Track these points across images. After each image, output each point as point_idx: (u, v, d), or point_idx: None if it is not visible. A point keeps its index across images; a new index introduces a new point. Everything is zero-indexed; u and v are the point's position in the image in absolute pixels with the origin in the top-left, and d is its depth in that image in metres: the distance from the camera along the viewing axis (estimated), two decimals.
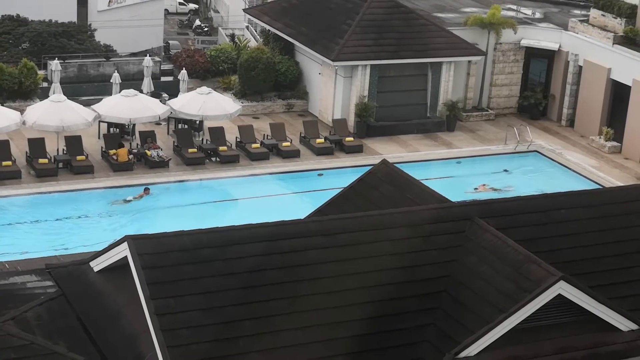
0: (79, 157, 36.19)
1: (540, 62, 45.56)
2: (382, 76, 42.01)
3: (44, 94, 40.35)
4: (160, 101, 39.62)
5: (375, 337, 17.12)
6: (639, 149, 40.49)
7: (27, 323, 17.42)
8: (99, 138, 38.46)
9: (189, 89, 41.35)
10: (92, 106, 37.83)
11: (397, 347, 17.13)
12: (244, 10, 51.54)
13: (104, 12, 54.82)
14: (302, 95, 44.33)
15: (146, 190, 35.06)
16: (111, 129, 38.73)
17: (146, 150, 37.29)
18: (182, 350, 15.88)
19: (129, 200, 34.55)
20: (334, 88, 42.13)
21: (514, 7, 48.70)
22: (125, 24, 52.81)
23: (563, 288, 17.25)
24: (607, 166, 40.05)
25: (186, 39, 61.35)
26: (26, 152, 36.28)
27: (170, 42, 51.96)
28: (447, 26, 44.53)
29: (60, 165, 35.94)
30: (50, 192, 34.46)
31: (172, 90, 42.47)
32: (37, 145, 36.08)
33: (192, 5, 73.07)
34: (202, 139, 39.36)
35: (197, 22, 67.28)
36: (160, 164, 36.97)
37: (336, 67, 41.57)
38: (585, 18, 45.06)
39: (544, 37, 45.01)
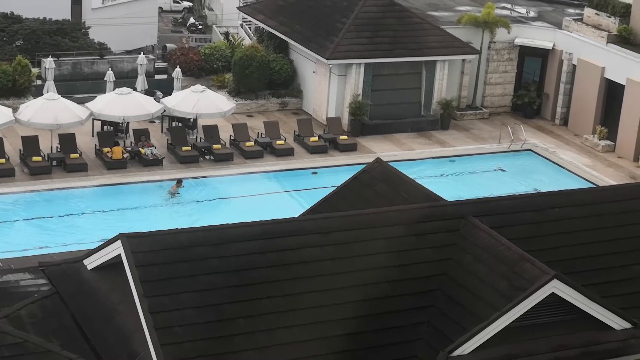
0: (72, 155, 36.16)
1: (534, 61, 45.59)
2: (377, 75, 42.03)
3: (38, 92, 40.30)
4: (154, 99, 39.56)
5: (370, 335, 17.13)
6: (633, 148, 40.57)
7: (20, 321, 17.39)
8: (92, 136, 38.42)
9: (183, 87, 41.30)
10: (86, 104, 37.79)
11: (392, 344, 17.15)
12: (238, 8, 51.49)
13: (98, 10, 54.75)
14: (296, 94, 44.33)
15: (179, 182, 35.11)
16: (105, 127, 38.70)
17: (140, 148, 37.26)
18: (176, 348, 15.86)
19: (175, 193, 34.73)
20: (328, 86, 42.14)
21: (508, 5, 48.73)
22: (120, 22, 52.75)
23: (556, 287, 17.27)
24: (601, 165, 40.12)
25: (180, 37, 61.29)
26: (20, 150, 36.23)
27: (167, 45, 51.86)
28: (441, 25, 44.56)
29: (54, 163, 35.91)
30: (44, 190, 34.41)
31: (166, 88, 42.41)
32: (30, 143, 36.03)
33: (186, 3, 73.00)
34: (196, 137, 39.34)
35: (191, 20, 67.24)
36: (154, 162, 36.95)
37: (330, 66, 41.58)
38: (580, 17, 45.12)
39: (538, 36, 45.05)
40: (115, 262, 17.44)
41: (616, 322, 17.92)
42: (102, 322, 17.40)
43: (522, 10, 48.15)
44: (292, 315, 16.80)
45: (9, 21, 47.46)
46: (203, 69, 45.47)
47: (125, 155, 36.70)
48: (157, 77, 45.06)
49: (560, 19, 45.76)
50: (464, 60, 43.94)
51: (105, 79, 41.06)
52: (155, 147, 37.66)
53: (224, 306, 16.57)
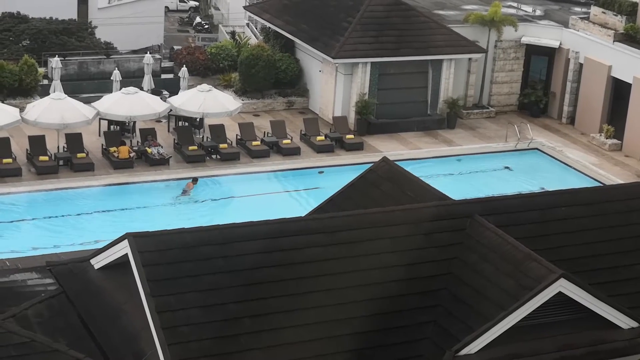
0: (79, 155, 36.20)
1: (540, 59, 45.55)
2: (383, 74, 42.01)
3: (45, 92, 40.35)
4: (161, 99, 39.60)
5: (375, 335, 17.12)
6: None
7: (27, 320, 17.42)
8: (99, 135, 38.46)
9: (190, 87, 41.34)
10: (92, 104, 37.83)
11: (398, 344, 17.14)
12: (245, 7, 51.54)
13: (104, 10, 54.81)
14: (302, 93, 44.34)
15: (194, 180, 35.16)
16: (112, 127, 38.74)
17: (147, 148, 37.30)
18: (182, 348, 15.88)
19: (187, 192, 34.91)
20: (334, 85, 42.14)
21: (515, 4, 48.68)
22: (126, 22, 52.80)
23: (563, 286, 17.25)
24: (608, 164, 40.06)
25: (186, 36, 61.34)
26: (26, 150, 36.29)
27: (175, 47, 51.97)
28: (447, 23, 44.53)
29: (61, 162, 35.96)
30: (50, 190, 34.47)
31: (173, 88, 42.44)
32: (37, 143, 36.09)
33: (193, 3, 73.03)
34: (203, 137, 39.36)
35: (198, 20, 67.25)
36: (161, 162, 36.98)
37: (337, 65, 41.57)
38: (586, 15, 45.06)
39: (544, 35, 45.00)
40: (122, 261, 17.47)
41: (623, 321, 17.90)
42: (108, 321, 17.42)
43: (528, 8, 48.09)
44: (297, 315, 16.81)
45: (15, 21, 47.52)
46: (209, 68, 45.48)
47: (131, 155, 36.74)
48: (163, 76, 45.09)
49: (567, 18, 45.70)
50: (470, 59, 43.91)
51: (111, 78, 41.12)
52: (161, 147, 37.69)
53: (230, 306, 16.58)
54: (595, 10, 43.98)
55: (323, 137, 39.98)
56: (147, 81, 42.21)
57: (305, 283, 17.24)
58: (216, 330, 16.28)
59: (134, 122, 38.70)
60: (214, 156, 38.05)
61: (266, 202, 34.97)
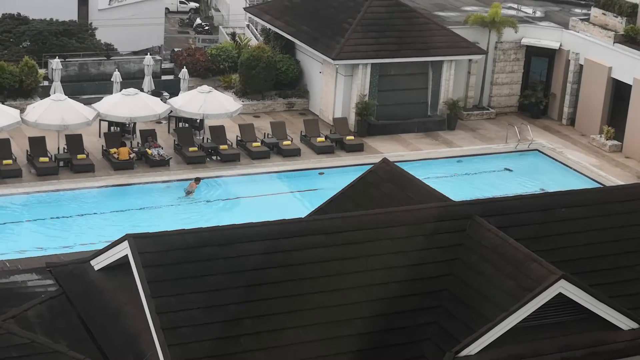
0: (79, 156, 36.21)
1: (541, 60, 45.57)
2: (383, 75, 42.02)
3: (45, 93, 40.38)
4: (161, 100, 39.62)
5: (376, 336, 17.12)
6: None
7: (27, 322, 17.42)
8: (99, 137, 38.48)
9: (190, 88, 41.35)
10: (92, 105, 37.85)
11: (399, 345, 17.14)
12: (245, 8, 51.54)
13: (104, 11, 54.86)
14: (302, 94, 44.35)
15: (197, 180, 35.14)
16: (112, 128, 38.76)
17: (147, 149, 37.30)
18: (183, 349, 15.87)
19: (190, 192, 34.86)
20: (334, 87, 42.14)
21: (515, 5, 48.70)
22: (126, 23, 52.82)
23: (564, 287, 17.25)
24: (608, 165, 40.06)
25: (187, 37, 61.38)
26: (27, 151, 36.30)
27: (175, 49, 52.02)
28: (447, 25, 44.55)
29: (61, 163, 35.97)
30: (50, 191, 34.47)
31: (173, 89, 42.47)
32: (37, 144, 36.10)
33: (193, 4, 73.08)
34: (203, 138, 39.37)
35: (198, 21, 67.28)
36: (161, 163, 36.99)
37: (337, 66, 41.58)
38: (586, 17, 45.09)
39: (544, 36, 45.02)
40: (122, 262, 17.47)
41: (623, 322, 17.90)
42: (109, 322, 17.42)
43: (528, 10, 48.11)
44: (298, 316, 16.81)
45: (15, 22, 47.55)
46: (210, 69, 45.49)
47: (132, 156, 36.75)
48: (163, 77, 45.11)
49: (567, 19, 45.72)
50: (470, 60, 43.93)
51: (112, 79, 41.14)
52: (162, 148, 37.69)
53: (231, 307, 16.58)
54: (595, 12, 44.00)
55: (323, 139, 39.99)
56: (148, 82, 42.24)
57: (306, 284, 17.24)
58: (217, 331, 16.28)
59: (134, 124, 38.72)
60: (214, 157, 38.06)
61: (267, 203, 34.97)
